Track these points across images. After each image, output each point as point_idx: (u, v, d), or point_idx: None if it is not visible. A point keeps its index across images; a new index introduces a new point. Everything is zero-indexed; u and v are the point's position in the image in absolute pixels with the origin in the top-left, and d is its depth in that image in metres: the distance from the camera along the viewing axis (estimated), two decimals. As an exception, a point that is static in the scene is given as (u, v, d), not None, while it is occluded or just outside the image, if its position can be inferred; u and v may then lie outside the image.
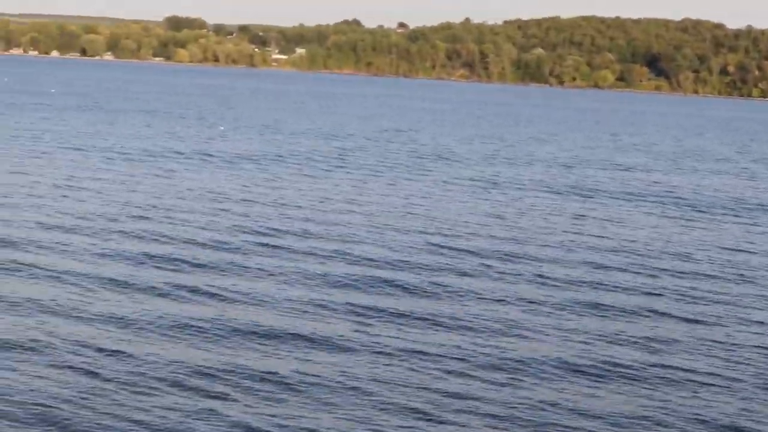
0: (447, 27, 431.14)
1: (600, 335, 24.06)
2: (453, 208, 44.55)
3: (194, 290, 26.16)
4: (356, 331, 23.27)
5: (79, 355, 20.38)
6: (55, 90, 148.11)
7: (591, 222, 42.69)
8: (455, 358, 21.56)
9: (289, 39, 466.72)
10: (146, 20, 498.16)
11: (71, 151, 59.13)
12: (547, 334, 23.87)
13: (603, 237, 38.69)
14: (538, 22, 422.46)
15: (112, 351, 20.72)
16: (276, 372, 19.94)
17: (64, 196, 41.44)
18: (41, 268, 27.67)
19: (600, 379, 20.84)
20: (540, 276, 30.37)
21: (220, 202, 42.18)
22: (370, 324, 23.94)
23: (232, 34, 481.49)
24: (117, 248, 31.12)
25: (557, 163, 71.89)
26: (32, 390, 18.24)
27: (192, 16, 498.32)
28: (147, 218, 36.78)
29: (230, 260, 30.14)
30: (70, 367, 19.64)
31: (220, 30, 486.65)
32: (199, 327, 22.84)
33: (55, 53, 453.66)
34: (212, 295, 25.82)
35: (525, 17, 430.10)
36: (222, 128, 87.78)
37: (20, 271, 27.29)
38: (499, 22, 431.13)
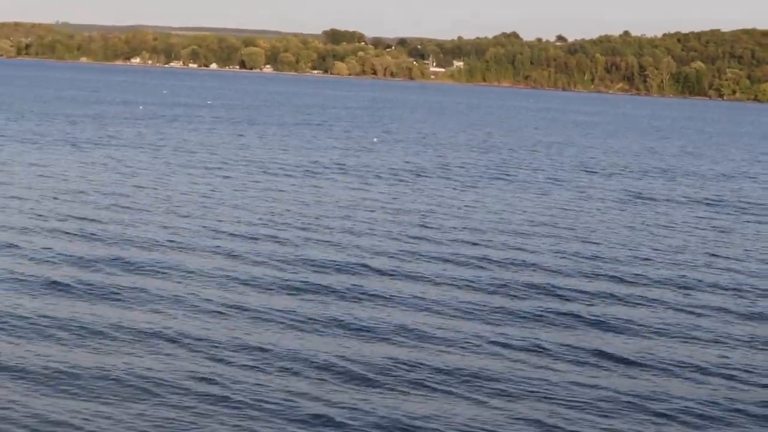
0: (606, 40, 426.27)
1: None
2: (598, 219, 43.58)
3: (377, 295, 26.06)
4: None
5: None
6: (211, 102, 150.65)
7: (736, 237, 41.23)
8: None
9: (447, 52, 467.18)
10: (305, 33, 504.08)
11: (226, 164, 59.46)
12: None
13: (742, 250, 37.35)
14: (698, 35, 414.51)
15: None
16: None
17: (226, 206, 41.57)
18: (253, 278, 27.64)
19: None
20: (693, 286, 29.35)
21: (392, 214, 41.72)
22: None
23: (390, 48, 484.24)
24: (294, 256, 31.06)
25: (708, 176, 69.89)
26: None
27: (351, 29, 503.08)
28: (319, 230, 36.63)
29: (402, 268, 29.94)
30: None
31: (378, 43, 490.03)
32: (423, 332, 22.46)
33: (214, 66, 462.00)
34: (391, 299, 25.49)
35: (684, 30, 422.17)
36: (375, 140, 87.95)
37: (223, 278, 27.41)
38: (659, 35, 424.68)
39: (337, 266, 29.96)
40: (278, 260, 30.58)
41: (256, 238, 34.06)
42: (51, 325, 22.26)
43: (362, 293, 26.70)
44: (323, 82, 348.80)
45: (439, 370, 20.46)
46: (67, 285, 25.96)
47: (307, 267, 29.69)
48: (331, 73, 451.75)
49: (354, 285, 27.64)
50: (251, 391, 18.65)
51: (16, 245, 30.55)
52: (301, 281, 27.79)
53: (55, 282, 26.15)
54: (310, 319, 23.93)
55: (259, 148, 71.12)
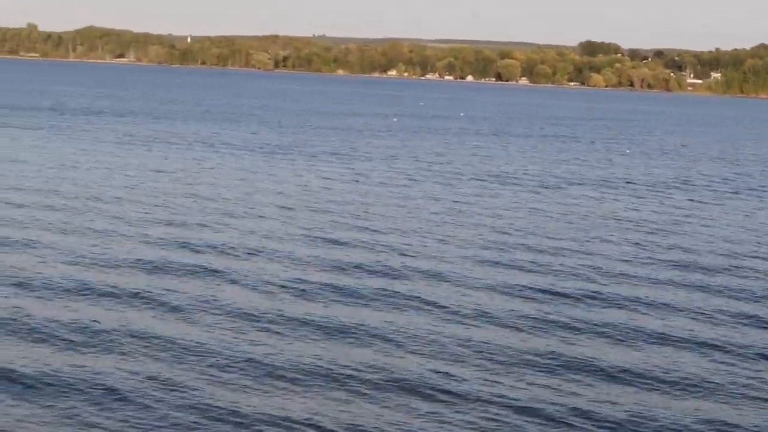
0: None
1: None
2: None
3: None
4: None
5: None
6: (464, 113, 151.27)
7: None
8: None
9: (705, 63, 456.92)
10: (561, 45, 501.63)
11: (465, 176, 59.56)
12: None
13: None
14: None
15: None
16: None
17: (456, 218, 41.62)
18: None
19: None
20: None
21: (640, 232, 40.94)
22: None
23: (647, 59, 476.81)
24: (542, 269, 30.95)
25: None
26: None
27: (607, 41, 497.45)
28: (546, 242, 36.41)
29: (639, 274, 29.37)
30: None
31: (635, 55, 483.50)
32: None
33: (470, 78, 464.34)
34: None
35: None
36: (628, 152, 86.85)
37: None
38: None
39: (572, 272, 29.57)
40: (534, 269, 30.53)
41: (505, 249, 33.89)
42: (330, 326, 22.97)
43: (603, 299, 26.28)
44: (579, 94, 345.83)
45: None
46: (316, 288, 26.57)
47: (550, 274, 29.46)
48: (588, 85, 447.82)
49: (591, 290, 27.31)
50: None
51: (260, 250, 31.33)
52: (548, 288, 27.66)
53: (303, 286, 26.79)
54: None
55: (502, 159, 70.99)
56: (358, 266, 29.92)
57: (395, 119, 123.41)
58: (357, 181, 53.09)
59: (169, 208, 39.74)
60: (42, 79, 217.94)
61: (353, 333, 22.91)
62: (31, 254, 29.54)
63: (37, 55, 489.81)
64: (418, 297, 26.48)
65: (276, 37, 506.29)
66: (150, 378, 19.23)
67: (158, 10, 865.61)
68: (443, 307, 25.65)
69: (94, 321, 22.82)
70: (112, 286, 26.00)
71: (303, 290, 26.64)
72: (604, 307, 26.57)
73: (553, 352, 22.11)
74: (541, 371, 20.89)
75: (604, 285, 29.22)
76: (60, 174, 49.12)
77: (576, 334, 23.82)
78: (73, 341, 21.34)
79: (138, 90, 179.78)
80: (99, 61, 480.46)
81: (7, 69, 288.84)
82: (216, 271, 28.50)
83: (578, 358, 21.79)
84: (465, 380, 20.00)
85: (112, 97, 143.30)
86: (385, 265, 30.28)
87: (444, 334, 23.21)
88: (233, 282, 27.30)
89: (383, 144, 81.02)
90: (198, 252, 31.01)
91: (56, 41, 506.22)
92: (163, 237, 33.34)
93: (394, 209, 42.80)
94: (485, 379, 20.14)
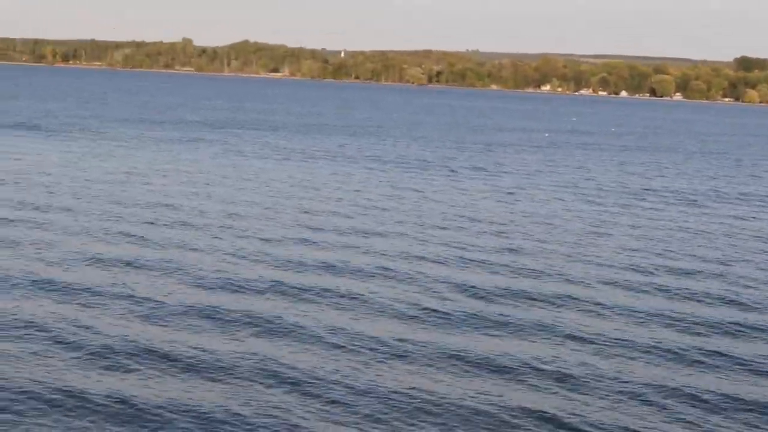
0: None
1: None
2: None
3: None
4: None
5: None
6: (615, 129, 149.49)
7: None
8: None
9: None
10: (716, 61, 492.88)
11: (610, 192, 58.31)
12: None
13: None
14: None
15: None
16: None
17: (598, 238, 40.50)
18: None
19: None
20: None
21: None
22: None
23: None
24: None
25: None
26: None
27: (762, 56, 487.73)
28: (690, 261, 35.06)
29: None
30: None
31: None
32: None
33: (624, 93, 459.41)
34: None
35: None
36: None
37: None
38: None
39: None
40: (674, 293, 29.24)
41: (651, 272, 32.68)
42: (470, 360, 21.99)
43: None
44: (733, 110, 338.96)
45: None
46: (449, 314, 25.65)
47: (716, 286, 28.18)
48: (743, 101, 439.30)
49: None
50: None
51: (393, 270, 30.61)
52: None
53: (435, 310, 25.90)
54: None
55: (649, 175, 69.35)
56: (498, 290, 28.91)
57: (546, 134, 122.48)
58: (500, 196, 52.22)
59: (310, 222, 39.40)
60: (194, 92, 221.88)
61: (515, 370, 21.65)
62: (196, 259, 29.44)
63: (192, 69, 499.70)
64: (577, 329, 25.43)
65: (429, 52, 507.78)
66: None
67: (312, 26, 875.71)
68: (600, 339, 24.61)
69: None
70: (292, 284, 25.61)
71: (444, 316, 25.64)
72: (753, 338, 25.22)
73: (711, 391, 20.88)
74: (711, 411, 19.75)
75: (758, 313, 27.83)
76: (207, 189, 49.29)
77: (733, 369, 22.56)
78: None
79: (289, 104, 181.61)
80: (253, 75, 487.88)
81: (163, 81, 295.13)
82: (356, 294, 27.85)
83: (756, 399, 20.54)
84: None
85: (262, 111, 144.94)
86: (521, 289, 29.23)
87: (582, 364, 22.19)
88: (369, 305, 26.61)
89: (531, 159, 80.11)
90: (338, 274, 30.34)
91: (211, 56, 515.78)
92: (301, 256, 32.91)
93: (535, 227, 41.75)
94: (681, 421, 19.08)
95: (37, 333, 22.10)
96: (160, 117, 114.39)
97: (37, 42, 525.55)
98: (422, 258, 33.09)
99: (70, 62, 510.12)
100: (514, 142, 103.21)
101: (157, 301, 25.30)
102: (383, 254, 33.35)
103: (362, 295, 27.25)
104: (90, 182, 48.69)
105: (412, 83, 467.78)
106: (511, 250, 35.60)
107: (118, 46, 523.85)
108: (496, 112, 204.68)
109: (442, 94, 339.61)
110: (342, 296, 27.02)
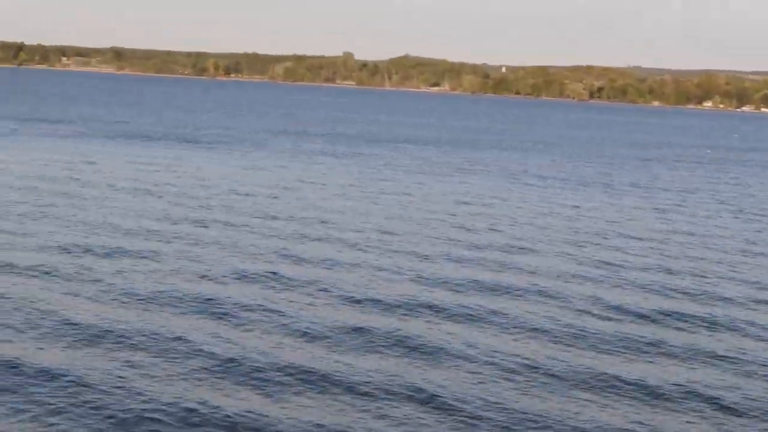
0: None
1: None
2: None
3: None
4: None
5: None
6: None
7: None
8: None
9: None
10: None
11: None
12: None
13: None
14: None
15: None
16: None
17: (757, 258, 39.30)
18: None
19: None
20: None
21: None
22: None
23: None
24: None
25: None
26: None
27: None
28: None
29: None
30: None
31: None
32: None
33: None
34: None
35: None
36: None
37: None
38: None
39: None
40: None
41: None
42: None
43: None
44: None
45: None
46: (601, 334, 25.04)
47: None
48: None
49: None
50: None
51: (546, 288, 30.08)
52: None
53: (588, 330, 25.31)
54: None
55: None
56: (652, 311, 28.15)
57: (708, 151, 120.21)
58: (657, 214, 51.19)
59: (465, 238, 39.08)
60: (352, 106, 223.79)
61: (668, 395, 20.90)
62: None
63: (353, 83, 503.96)
64: (731, 353, 24.58)
65: (590, 67, 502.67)
66: None
67: (473, 40, 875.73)
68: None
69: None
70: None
71: (597, 337, 24.96)
72: None
73: None
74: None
75: None
76: (362, 203, 49.38)
77: None
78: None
79: (449, 118, 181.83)
80: (413, 89, 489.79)
81: (324, 95, 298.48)
82: (510, 313, 27.45)
83: None
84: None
85: (420, 126, 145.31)
86: (676, 311, 28.40)
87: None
88: (522, 325, 26.18)
89: (691, 176, 78.58)
90: (492, 292, 29.97)
91: (372, 70, 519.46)
92: (454, 273, 32.60)
93: (692, 245, 40.73)
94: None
95: (189, 349, 22.17)
96: (319, 130, 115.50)
97: (199, 55, 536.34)
98: (576, 276, 32.45)
99: (232, 75, 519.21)
100: (676, 158, 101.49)
101: (304, 319, 25.18)
102: (536, 272, 32.79)
103: (516, 314, 26.78)
104: (245, 195, 49.15)
105: (573, 98, 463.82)
106: (666, 269, 34.73)
107: (279, 59, 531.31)
108: (657, 128, 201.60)
109: (603, 110, 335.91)
110: (496, 315, 26.64)
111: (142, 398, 18.67)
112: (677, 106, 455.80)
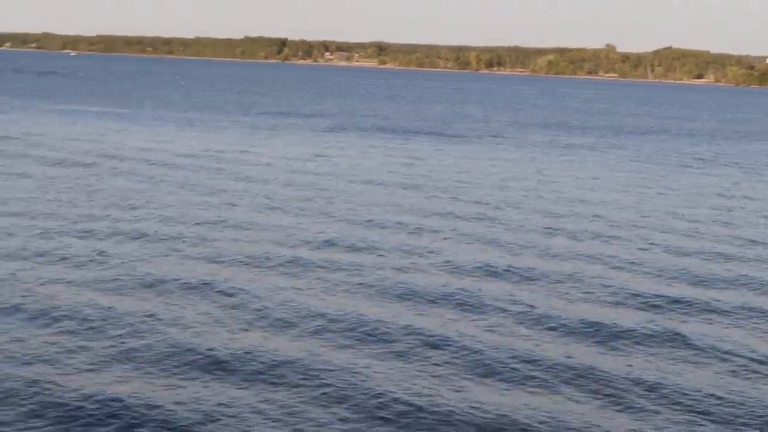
0: None
1: None
2: None
3: None
4: None
5: None
6: None
7: None
8: None
9: None
10: None
11: None
12: None
13: None
14: None
15: None
16: None
17: None
18: None
19: None
20: None
21: None
22: None
23: None
24: None
25: None
26: None
27: None
28: None
29: None
30: None
31: None
32: None
33: None
34: None
35: None
36: None
37: None
38: None
39: None
40: None
41: None
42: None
43: None
44: None
45: None
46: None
47: None
48: None
49: None
50: None
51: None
52: None
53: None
54: None
55: None
56: None
57: None
58: None
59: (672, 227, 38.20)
60: (616, 99, 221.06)
61: None
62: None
63: (616, 75, 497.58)
64: None
65: None
66: None
67: (735, 31, 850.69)
68: None
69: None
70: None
71: None
72: None
73: None
74: None
75: None
76: (611, 196, 48.84)
77: None
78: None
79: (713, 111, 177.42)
80: (676, 81, 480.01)
81: (586, 88, 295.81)
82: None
83: None
84: None
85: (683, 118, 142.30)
86: None
87: None
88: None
89: None
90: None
91: (634, 62, 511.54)
92: (678, 268, 31.91)
93: None
94: None
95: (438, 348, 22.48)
96: (578, 123, 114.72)
97: (461, 49, 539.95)
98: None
99: (494, 69, 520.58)
100: None
101: (551, 314, 25.16)
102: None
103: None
104: (500, 189, 49.32)
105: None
106: None
107: (540, 52, 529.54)
108: None
109: None
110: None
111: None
112: None
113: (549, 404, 18.62)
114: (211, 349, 20.72)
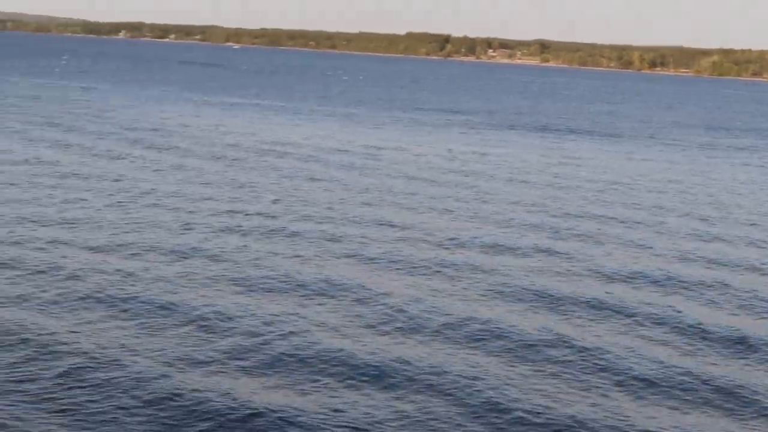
0: None
1: None
2: None
3: None
4: None
5: None
6: None
7: None
8: None
9: None
10: None
11: None
12: None
13: None
14: None
15: None
16: None
17: None
18: None
19: None
20: None
21: None
22: None
23: None
24: None
25: None
26: None
27: None
28: None
29: None
30: None
31: None
32: None
33: None
34: None
35: None
36: None
37: None
38: None
39: None
40: None
41: None
42: None
43: None
44: None
45: None
46: None
47: None
48: None
49: None
50: None
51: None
52: None
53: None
54: None
55: None
56: None
57: None
58: None
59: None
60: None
61: None
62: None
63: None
64: None
65: None
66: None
67: None
68: None
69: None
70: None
71: None
72: None
73: None
74: None
75: None
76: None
77: None
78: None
79: None
80: None
81: (749, 90, 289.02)
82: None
83: None
84: None
85: None
86: None
87: None
88: None
89: None
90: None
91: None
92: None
93: None
94: None
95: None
96: (742, 125, 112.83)
97: (624, 48, 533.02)
98: None
99: (656, 69, 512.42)
100: None
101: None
102: None
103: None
104: (656, 192, 49.21)
105: None
106: None
107: (705, 53, 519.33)
108: None
109: None
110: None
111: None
112: None
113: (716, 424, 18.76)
114: (371, 354, 20.48)
